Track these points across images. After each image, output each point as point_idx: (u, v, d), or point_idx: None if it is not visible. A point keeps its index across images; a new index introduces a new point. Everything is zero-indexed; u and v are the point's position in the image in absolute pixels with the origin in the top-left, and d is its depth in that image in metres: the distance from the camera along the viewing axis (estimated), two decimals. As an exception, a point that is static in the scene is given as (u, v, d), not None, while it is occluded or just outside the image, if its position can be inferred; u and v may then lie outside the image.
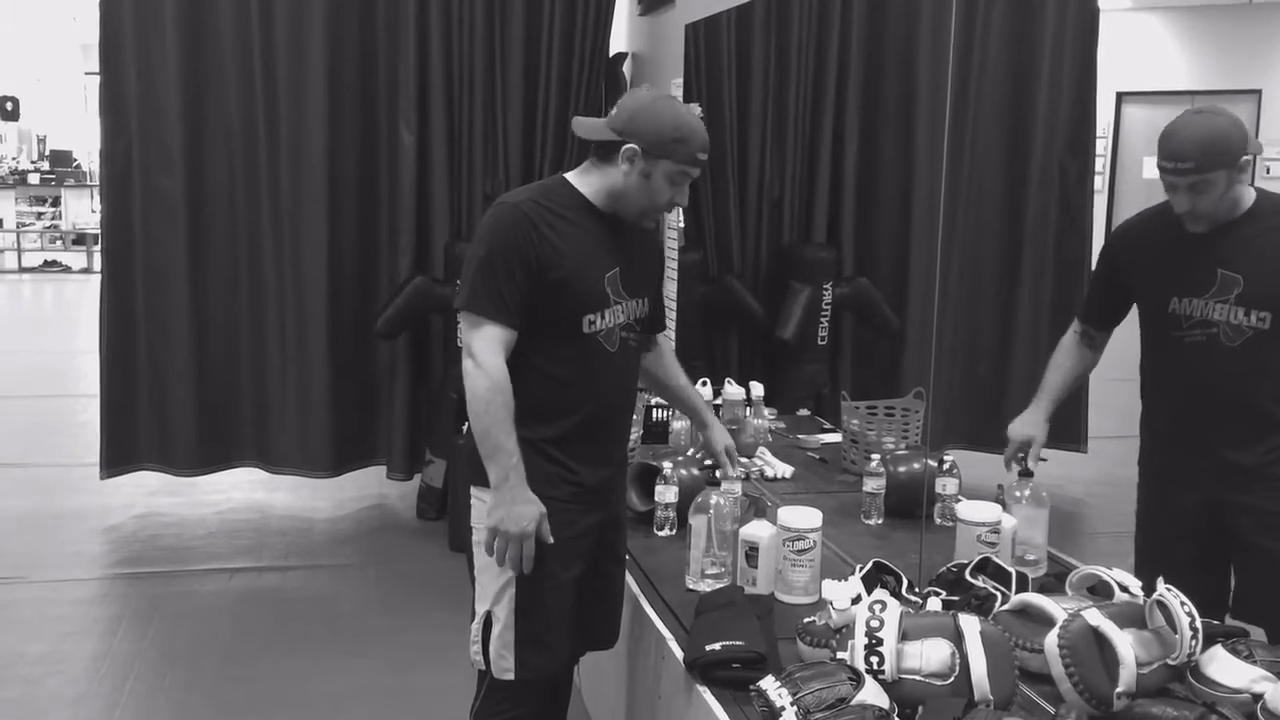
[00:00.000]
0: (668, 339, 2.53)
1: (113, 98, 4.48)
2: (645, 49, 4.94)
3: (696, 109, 4.19)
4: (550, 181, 2.21)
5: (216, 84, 4.51)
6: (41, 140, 16.65)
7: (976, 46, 3.70)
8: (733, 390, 3.47)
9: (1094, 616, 1.74)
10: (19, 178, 15.74)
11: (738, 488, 2.57)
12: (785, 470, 3.16)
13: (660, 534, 2.69)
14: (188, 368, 4.62)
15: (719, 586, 2.30)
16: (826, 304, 4.04)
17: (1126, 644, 1.70)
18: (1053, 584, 2.20)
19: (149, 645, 3.60)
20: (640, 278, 2.24)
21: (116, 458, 4.63)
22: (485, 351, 2.07)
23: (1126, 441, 2.89)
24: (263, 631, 3.72)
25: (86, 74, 16.56)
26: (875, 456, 2.78)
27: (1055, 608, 1.85)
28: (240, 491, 5.06)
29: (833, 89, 4.00)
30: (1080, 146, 4.24)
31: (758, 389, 3.49)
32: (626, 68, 5.10)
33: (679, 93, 4.30)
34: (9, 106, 15.96)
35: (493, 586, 2.15)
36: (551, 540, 2.11)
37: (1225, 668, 1.73)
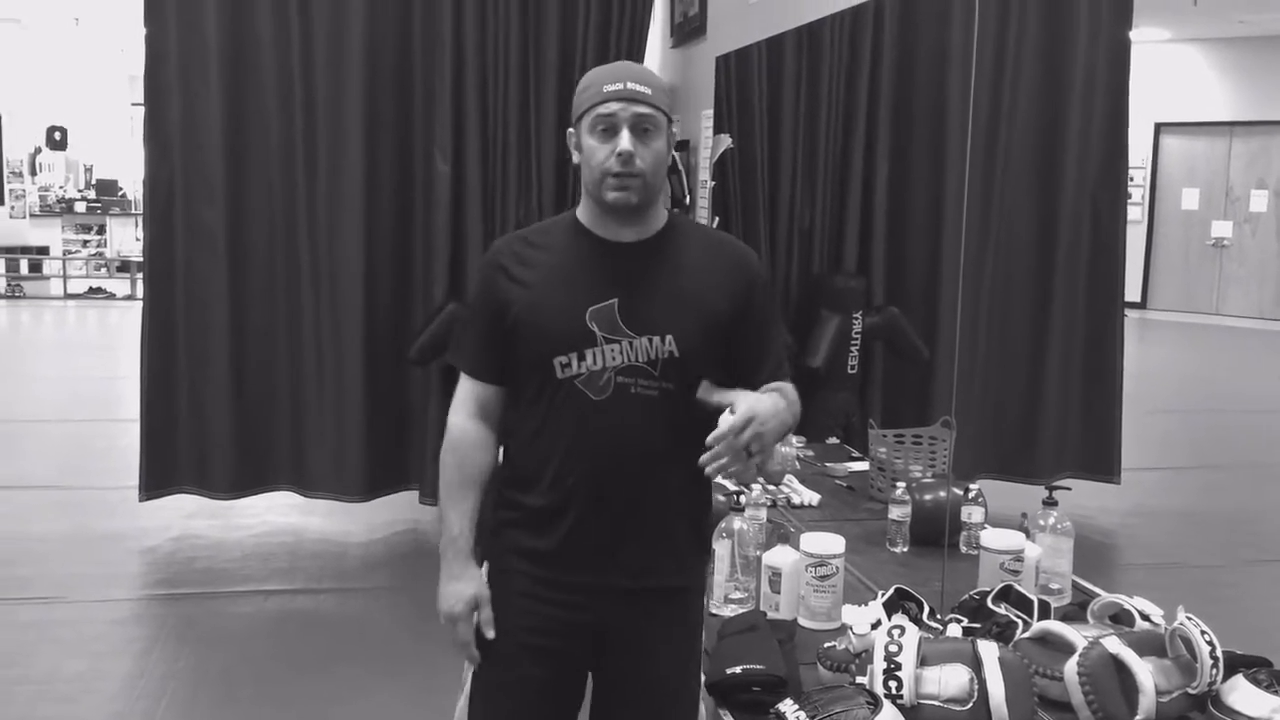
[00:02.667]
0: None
1: (156, 129, 4.59)
2: (677, 80, 5.00)
3: (726, 140, 4.23)
4: (564, 213, 2.01)
5: (257, 116, 4.61)
6: (88, 169, 16.99)
7: (1007, 78, 3.72)
8: (761, 418, 3.48)
9: (1114, 644, 1.75)
10: (66, 206, 16.06)
11: (762, 514, 2.59)
12: (812, 497, 3.17)
13: (686, 559, 2.71)
14: (225, 393, 4.69)
15: (742, 611, 2.32)
16: (856, 333, 4.05)
17: (1146, 672, 1.70)
18: (1076, 613, 2.19)
19: (184, 665, 3.65)
20: (658, 309, 1.84)
21: (155, 481, 4.70)
22: (453, 408, 1.97)
23: (1161, 473, 2.89)
24: (297, 653, 3.76)
25: (133, 105, 16.89)
26: (900, 484, 2.79)
27: (1075, 635, 1.85)
28: (275, 515, 5.12)
29: (863, 119, 4.03)
30: (1112, 178, 4.24)
31: (786, 416, 3.50)
32: (659, 99, 5.16)
33: (709, 124, 4.35)
34: (57, 136, 16.30)
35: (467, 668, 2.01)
36: (491, 634, 1.92)
37: (1246, 697, 1.72)
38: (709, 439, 1.70)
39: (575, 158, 1.88)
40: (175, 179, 4.59)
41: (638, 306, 1.84)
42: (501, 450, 1.99)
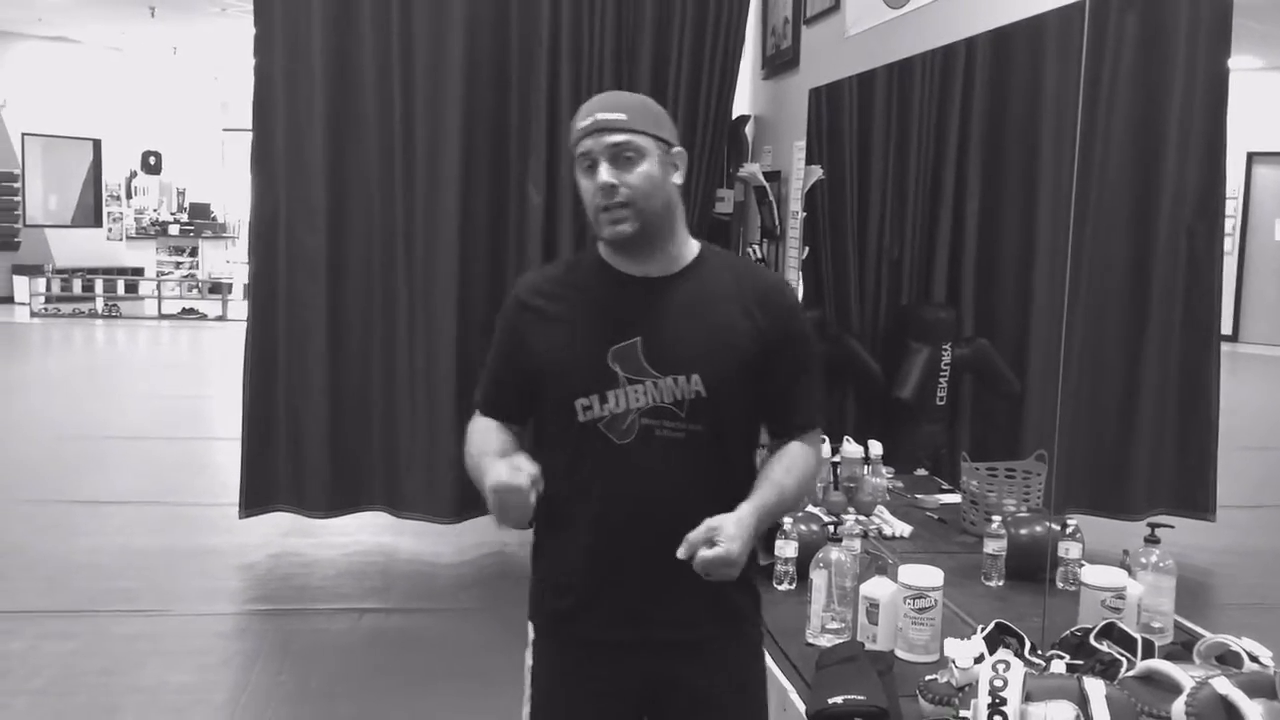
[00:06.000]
0: (805, 445, 1.91)
1: (263, 157, 4.75)
2: (768, 112, 5.06)
3: (818, 171, 4.27)
4: (589, 249, 1.93)
5: (358, 146, 4.75)
6: (181, 193, 17.53)
7: (1102, 109, 3.71)
8: (851, 448, 3.51)
9: (1223, 685, 1.74)
10: (160, 229, 16.59)
11: (856, 544, 2.62)
12: (904, 529, 3.19)
13: (779, 588, 2.74)
14: (323, 415, 4.82)
15: (839, 641, 2.34)
16: (945, 364, 4.05)
17: (1257, 714, 1.70)
18: (1179, 652, 2.18)
19: (286, 680, 3.77)
20: (684, 347, 1.77)
21: (255, 499, 4.83)
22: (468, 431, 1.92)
23: (1258, 511, 2.86)
24: (392, 671, 3.85)
25: (225, 130, 17.41)
26: (996, 518, 2.80)
27: (1182, 675, 1.84)
28: (367, 534, 5.24)
29: (954, 152, 4.04)
30: (1209, 210, 4.19)
31: (876, 448, 3.52)
32: (749, 129, 5.22)
33: (801, 155, 4.39)
34: (152, 161, 16.86)
35: None
36: (533, 489, 1.67)
37: (1359, 742, 1.71)
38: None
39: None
40: (280, 206, 4.75)
41: (662, 344, 1.76)
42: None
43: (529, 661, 1.95)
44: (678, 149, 1.83)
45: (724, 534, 1.65)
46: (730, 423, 1.81)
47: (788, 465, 1.85)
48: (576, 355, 1.78)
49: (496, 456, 1.78)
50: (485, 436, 1.89)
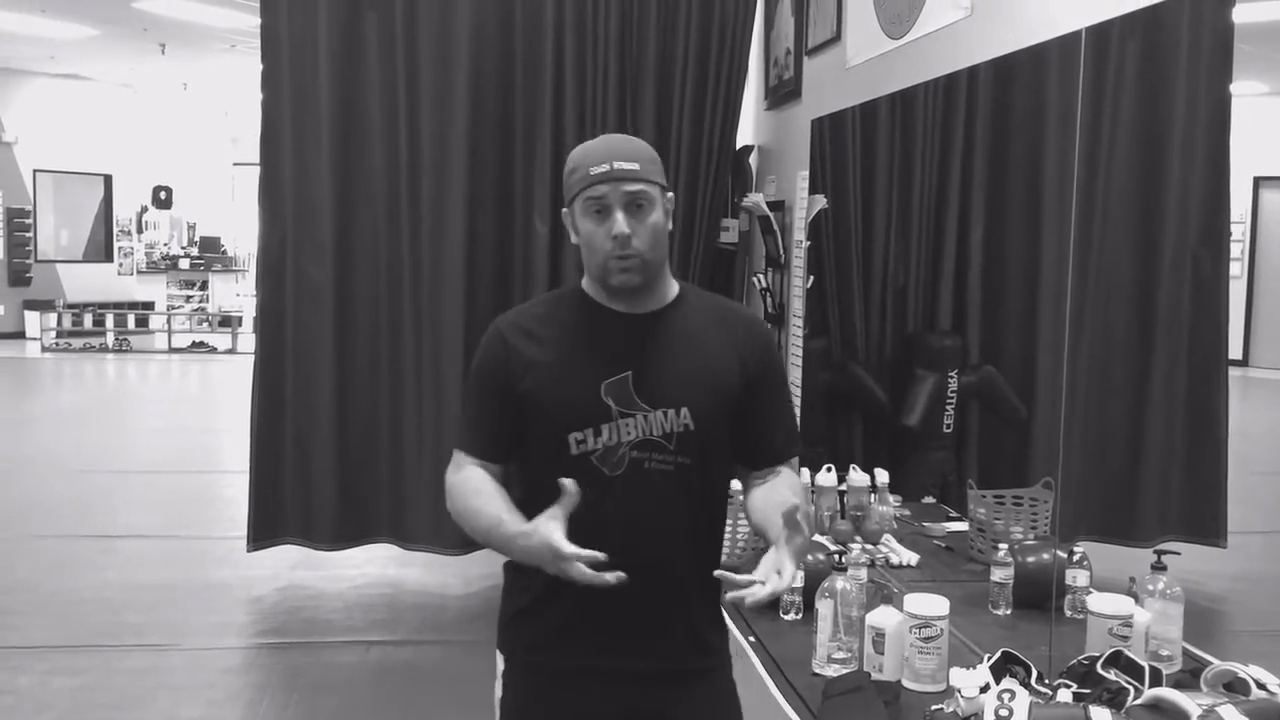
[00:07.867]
0: (792, 471, 1.97)
1: (270, 190, 4.79)
2: (771, 142, 5.08)
3: (821, 200, 4.29)
4: (568, 286, 1.97)
5: (364, 179, 4.79)
6: (191, 227, 17.64)
7: (1105, 137, 3.73)
8: (857, 477, 3.50)
9: (1230, 713, 1.73)
10: (170, 263, 16.70)
11: (863, 574, 2.61)
12: (911, 558, 3.18)
13: (786, 618, 2.73)
14: (330, 448, 4.83)
15: (845, 671, 2.33)
16: (952, 391, 4.04)
17: (1264, 742, 1.69)
18: (1188, 680, 2.17)
19: (293, 714, 3.75)
20: (672, 381, 1.81)
21: (262, 532, 4.84)
22: (449, 472, 1.89)
23: (1271, 537, 2.85)
24: (400, 704, 3.84)
25: (235, 164, 17.54)
26: (1003, 546, 2.79)
27: (1190, 703, 1.83)
28: (374, 567, 5.24)
29: (957, 180, 4.05)
30: (1214, 235, 4.18)
31: (882, 475, 3.51)
32: (752, 159, 5.25)
33: (804, 185, 4.41)
34: (162, 195, 16.98)
35: None
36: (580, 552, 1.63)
37: (1369, 770, 1.70)
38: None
39: (574, 238, 1.85)
40: (287, 239, 4.78)
41: (652, 379, 1.80)
42: None
43: (498, 693, 1.98)
44: (670, 194, 1.90)
45: (786, 573, 1.65)
46: (714, 455, 1.87)
47: (793, 486, 1.89)
48: (570, 390, 1.80)
49: (507, 511, 1.77)
50: (480, 488, 1.84)
